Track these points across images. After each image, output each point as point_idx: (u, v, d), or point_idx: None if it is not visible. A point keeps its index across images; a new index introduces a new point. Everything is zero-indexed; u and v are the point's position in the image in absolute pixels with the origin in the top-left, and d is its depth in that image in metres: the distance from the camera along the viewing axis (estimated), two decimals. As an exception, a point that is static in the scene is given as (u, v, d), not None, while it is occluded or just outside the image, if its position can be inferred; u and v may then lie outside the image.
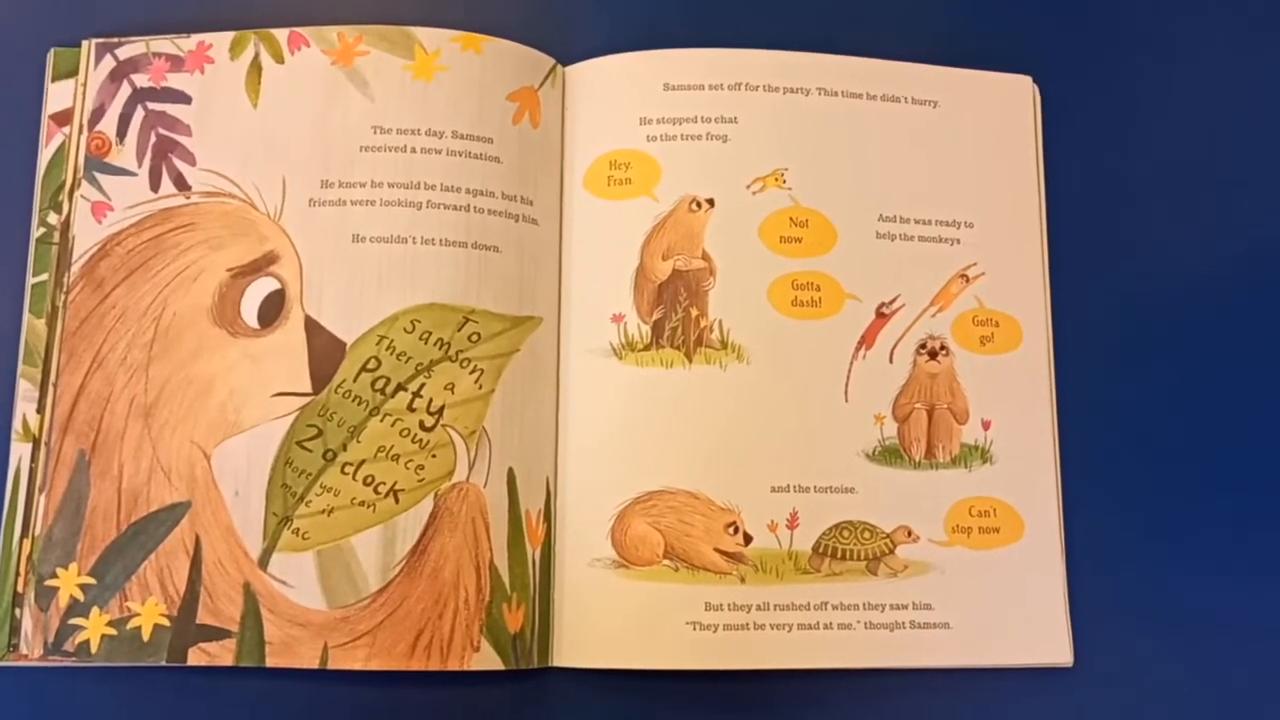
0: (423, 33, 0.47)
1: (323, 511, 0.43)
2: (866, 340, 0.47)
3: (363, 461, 0.43)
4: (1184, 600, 0.47)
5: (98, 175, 0.46)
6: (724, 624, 0.44)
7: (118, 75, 0.47)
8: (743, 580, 0.45)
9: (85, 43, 0.47)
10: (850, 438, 0.46)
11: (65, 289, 0.45)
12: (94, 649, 0.42)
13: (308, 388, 0.44)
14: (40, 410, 0.44)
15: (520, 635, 0.43)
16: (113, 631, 0.42)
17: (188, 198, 0.46)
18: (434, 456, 0.43)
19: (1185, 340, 0.50)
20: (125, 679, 0.44)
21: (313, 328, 0.44)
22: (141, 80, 0.47)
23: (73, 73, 0.47)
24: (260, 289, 0.45)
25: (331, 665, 0.42)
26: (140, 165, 0.46)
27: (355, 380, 0.44)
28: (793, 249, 0.47)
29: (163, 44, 0.47)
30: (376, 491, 0.43)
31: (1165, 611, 0.47)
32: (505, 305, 0.45)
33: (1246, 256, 0.51)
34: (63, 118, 0.47)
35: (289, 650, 0.42)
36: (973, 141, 0.50)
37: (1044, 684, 0.46)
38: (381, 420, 0.44)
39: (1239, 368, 0.50)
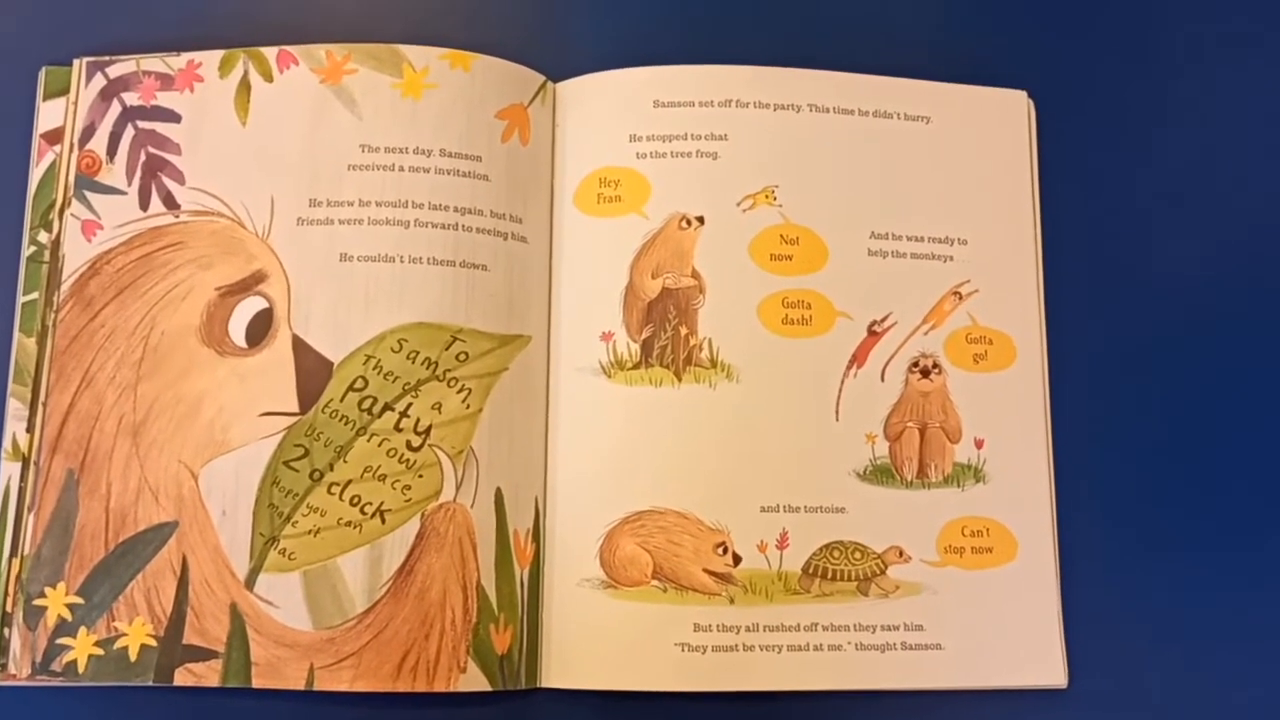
0: (411, 51, 0.47)
1: (309, 532, 0.43)
2: (858, 358, 0.47)
3: (349, 482, 0.43)
4: (1180, 620, 0.47)
5: (88, 194, 0.46)
6: (713, 645, 0.44)
7: (108, 94, 0.47)
8: (732, 601, 0.44)
9: (76, 61, 0.47)
10: (841, 457, 0.46)
11: (55, 307, 0.45)
12: (81, 669, 0.42)
13: (295, 407, 0.44)
14: (30, 429, 0.44)
15: (507, 656, 0.43)
16: (100, 651, 0.42)
17: (177, 216, 0.46)
18: (421, 476, 0.43)
19: (1181, 358, 0.49)
20: (112, 699, 0.44)
21: (300, 347, 0.44)
22: (132, 99, 0.47)
23: (64, 91, 0.47)
24: (248, 308, 0.45)
25: (318, 686, 0.42)
26: (130, 184, 0.46)
27: (342, 400, 0.44)
28: (783, 266, 0.47)
29: (153, 62, 0.47)
30: (363, 512, 0.43)
31: (1161, 632, 0.46)
32: (493, 324, 0.45)
33: (1243, 272, 0.50)
34: (54, 136, 0.47)
35: (275, 671, 0.42)
36: (966, 157, 0.49)
37: (1038, 705, 0.45)
38: (368, 440, 0.43)
39: (1235, 385, 0.49)
